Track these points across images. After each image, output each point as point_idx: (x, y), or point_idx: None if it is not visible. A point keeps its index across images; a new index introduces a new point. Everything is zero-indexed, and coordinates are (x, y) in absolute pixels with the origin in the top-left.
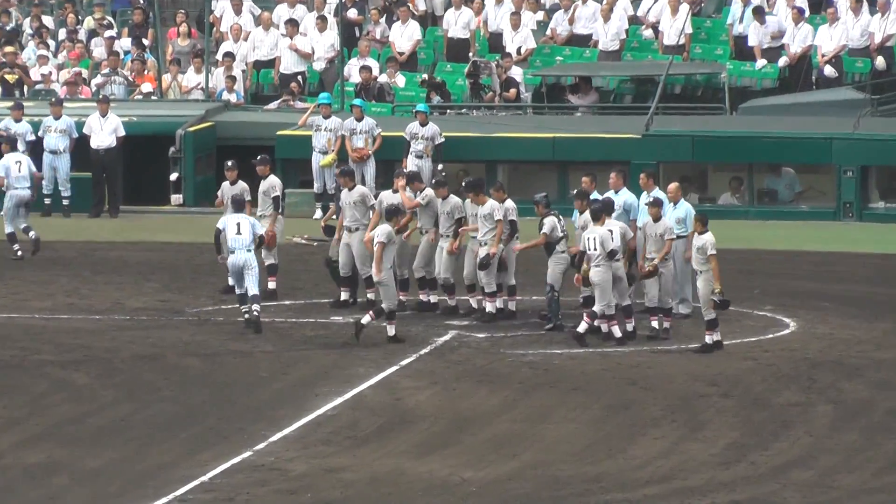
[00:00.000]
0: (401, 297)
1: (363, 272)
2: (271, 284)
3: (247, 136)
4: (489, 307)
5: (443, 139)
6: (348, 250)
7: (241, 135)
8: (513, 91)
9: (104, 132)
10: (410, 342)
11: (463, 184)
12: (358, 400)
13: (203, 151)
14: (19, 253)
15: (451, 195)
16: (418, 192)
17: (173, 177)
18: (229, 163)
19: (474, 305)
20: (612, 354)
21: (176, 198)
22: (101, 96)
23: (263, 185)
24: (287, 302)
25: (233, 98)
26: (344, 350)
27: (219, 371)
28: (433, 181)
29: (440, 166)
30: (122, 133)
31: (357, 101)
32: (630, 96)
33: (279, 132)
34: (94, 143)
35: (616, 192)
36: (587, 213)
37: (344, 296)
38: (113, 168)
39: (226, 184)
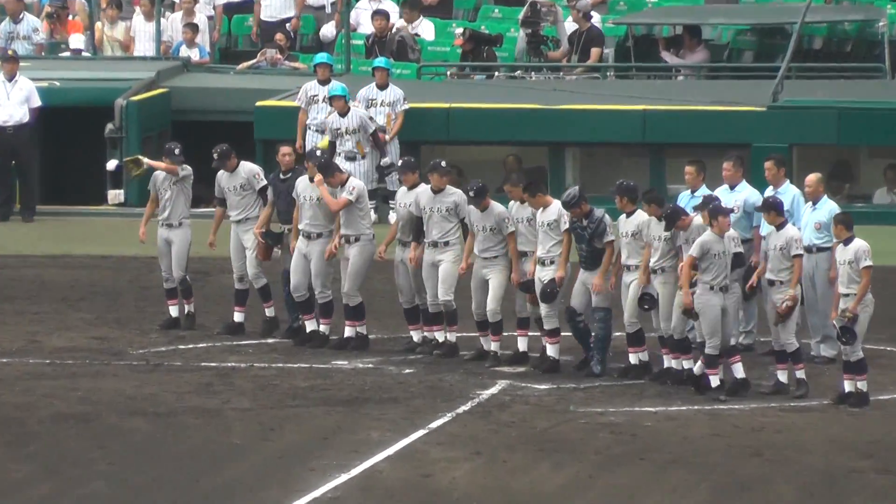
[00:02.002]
0: (426, 334)
1: (321, 294)
2: (269, 311)
3: (214, 108)
4: (551, 350)
5: (406, 106)
6: (305, 264)
7: (205, 105)
8: (595, 51)
9: (11, 102)
10: (443, 395)
11: (513, 176)
12: (370, 477)
13: (153, 129)
14: None
15: (491, 201)
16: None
17: (111, 165)
18: (221, 148)
19: (489, 349)
20: (726, 414)
21: (114, 194)
22: (6, 53)
23: (237, 178)
24: (270, 340)
25: (194, 55)
26: (350, 407)
27: (175, 437)
28: (440, 171)
29: (443, 162)
30: (36, 103)
31: (381, 62)
32: (751, 53)
33: (258, 102)
34: None
35: (732, 188)
36: (639, 216)
37: (311, 325)
38: (25, 153)
39: (223, 175)
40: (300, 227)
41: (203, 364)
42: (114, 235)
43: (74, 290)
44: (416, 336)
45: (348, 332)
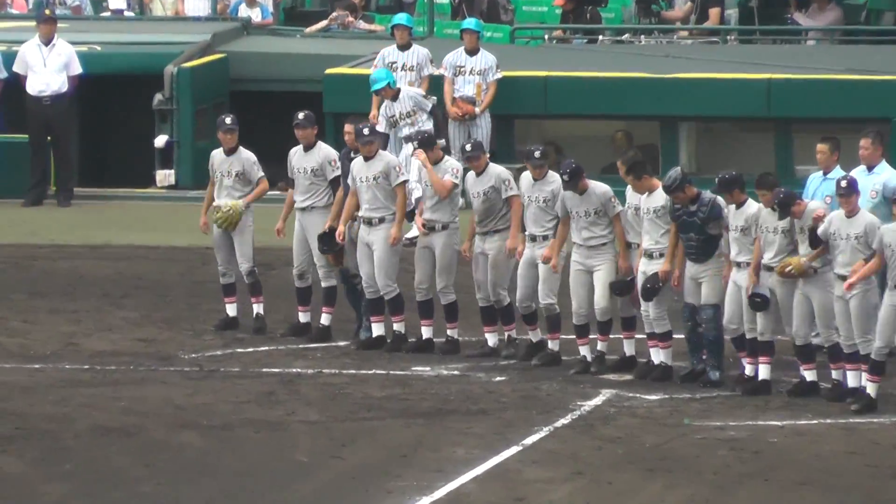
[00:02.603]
0: (509, 334)
1: (387, 290)
2: (325, 319)
3: (277, 77)
4: (662, 355)
5: (498, 75)
6: (371, 255)
7: (267, 73)
8: (713, 12)
9: (48, 70)
10: (540, 407)
11: (630, 155)
12: (455, 501)
13: (207, 100)
14: None
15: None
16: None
17: (160, 141)
18: (300, 116)
19: (586, 354)
20: (863, 429)
21: (164, 175)
22: (42, 13)
23: (311, 159)
24: (340, 343)
25: (255, 15)
26: (432, 419)
27: (232, 454)
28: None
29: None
30: (76, 71)
31: (471, 24)
32: (891, 14)
33: (328, 70)
34: (33, 88)
35: (870, 169)
36: (749, 208)
37: (378, 330)
38: (62, 127)
39: (295, 153)
40: (360, 213)
41: (264, 370)
42: (163, 222)
43: (117, 285)
44: (491, 340)
45: (427, 332)
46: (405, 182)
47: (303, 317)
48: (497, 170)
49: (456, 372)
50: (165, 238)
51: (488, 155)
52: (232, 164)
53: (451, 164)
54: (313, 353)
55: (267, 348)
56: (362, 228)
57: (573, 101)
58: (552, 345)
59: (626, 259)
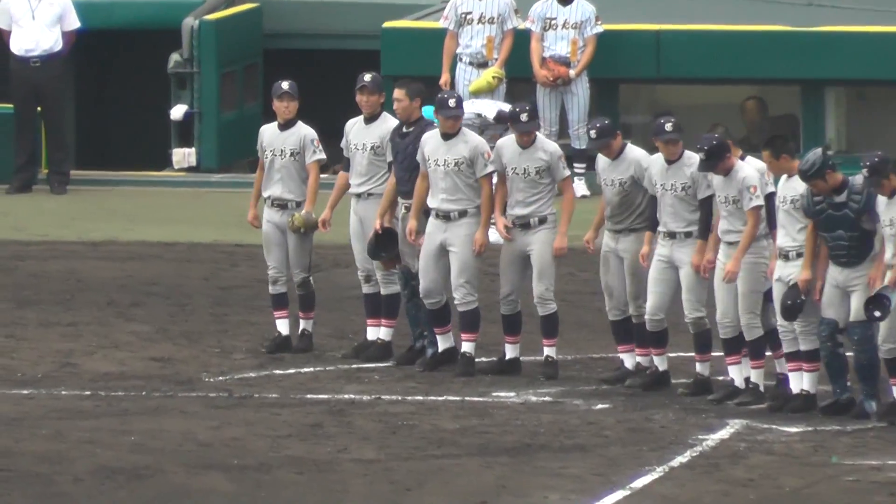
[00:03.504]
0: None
1: (466, 300)
2: (383, 333)
3: (323, 31)
4: (807, 382)
5: (598, 29)
6: (440, 257)
7: (311, 27)
8: None
9: (38, 24)
10: (652, 441)
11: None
12: None
13: (237, 62)
14: None
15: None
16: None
17: (177, 112)
18: (366, 78)
19: (734, 378)
20: None
21: (182, 154)
22: None
23: (373, 133)
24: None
25: None
26: (518, 458)
27: (270, 501)
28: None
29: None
30: (73, 25)
31: None
32: None
33: (386, 23)
34: (19, 46)
35: None
36: None
37: (445, 343)
38: (55, 95)
39: (354, 125)
40: (432, 204)
41: (309, 396)
42: (181, 213)
43: (125, 292)
44: (629, 361)
45: (512, 351)
46: (493, 174)
47: (372, 332)
48: (636, 155)
49: (547, 398)
50: (185, 233)
51: (619, 135)
52: (286, 140)
53: (548, 144)
54: (369, 375)
55: (312, 369)
56: (435, 223)
57: (692, 61)
58: (701, 368)
59: (809, 270)
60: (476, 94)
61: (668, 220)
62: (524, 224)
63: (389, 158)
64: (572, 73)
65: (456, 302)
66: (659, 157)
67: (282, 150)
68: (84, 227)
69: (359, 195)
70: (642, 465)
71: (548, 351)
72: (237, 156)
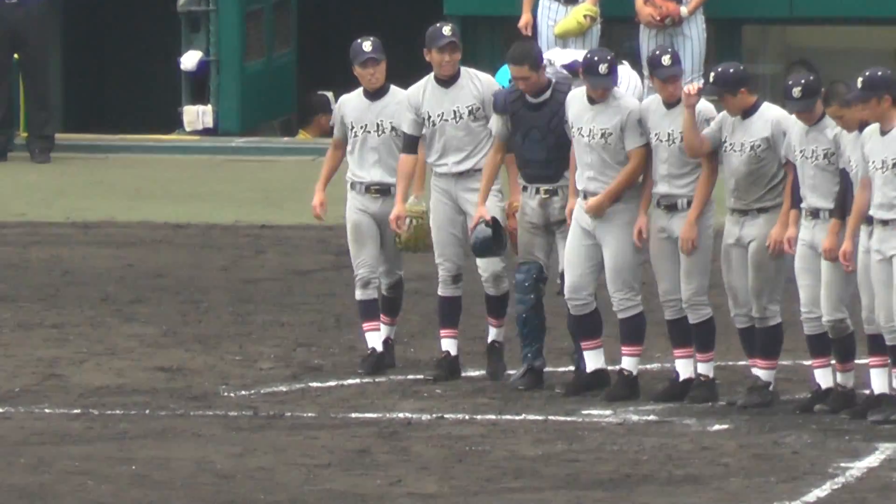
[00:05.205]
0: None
1: (627, 305)
2: (496, 334)
3: None
4: None
5: None
6: (591, 252)
7: None
8: None
9: None
10: (782, 470)
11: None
12: None
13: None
14: None
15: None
16: None
17: (189, 61)
18: (446, 31)
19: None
20: None
21: (195, 113)
22: None
23: (462, 95)
24: (473, 373)
25: None
26: (614, 491)
27: None
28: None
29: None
30: None
31: None
32: None
33: None
34: None
35: None
36: None
37: (595, 362)
38: (37, 42)
39: (431, 89)
40: (581, 186)
41: (354, 416)
42: (195, 187)
43: (124, 285)
44: (765, 375)
45: (695, 369)
46: (646, 145)
47: (448, 344)
48: (775, 114)
49: (651, 417)
50: (199, 212)
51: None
52: (381, 112)
53: (703, 104)
54: (429, 389)
55: (358, 381)
56: (579, 209)
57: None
58: (842, 379)
59: None
60: (563, 36)
61: (809, 194)
62: (669, 206)
63: (490, 127)
64: (684, 10)
65: (616, 307)
66: (797, 124)
67: (376, 125)
68: (73, 204)
69: (459, 174)
70: (771, 500)
71: (702, 367)
72: (264, 116)
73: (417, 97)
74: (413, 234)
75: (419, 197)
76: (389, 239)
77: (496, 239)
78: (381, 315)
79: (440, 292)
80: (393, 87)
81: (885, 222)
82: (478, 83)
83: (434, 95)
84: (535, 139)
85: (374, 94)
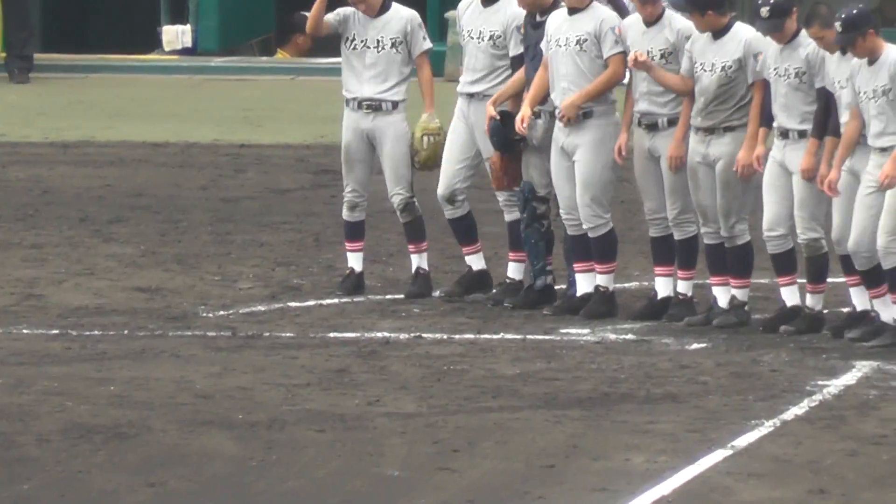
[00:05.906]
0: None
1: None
2: (514, 271)
3: None
4: None
5: None
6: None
7: None
8: None
9: None
10: (759, 389)
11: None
12: None
13: None
14: None
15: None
16: None
17: None
18: None
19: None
20: None
21: (174, 33)
22: None
23: (491, 20)
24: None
25: None
26: (593, 410)
27: (285, 465)
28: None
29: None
30: None
31: None
32: None
33: None
34: None
35: None
36: None
37: (586, 285)
38: None
39: (470, 5)
40: (556, 100)
41: (333, 335)
42: (174, 106)
43: (103, 205)
44: (740, 294)
45: (676, 287)
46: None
47: (473, 260)
48: (746, 35)
49: (629, 336)
50: (178, 131)
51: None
52: (382, 29)
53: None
54: (408, 308)
55: (336, 301)
56: (557, 127)
57: None
58: (811, 301)
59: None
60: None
61: (780, 114)
62: (650, 125)
63: (513, 52)
64: None
65: (584, 226)
66: (765, 41)
67: (377, 41)
68: (52, 124)
69: (470, 95)
70: (749, 418)
71: (682, 286)
72: (244, 35)
73: (461, 9)
74: (431, 152)
75: (432, 114)
76: (389, 155)
77: (508, 129)
78: (408, 244)
79: (447, 215)
80: (395, 4)
81: (883, 150)
82: (509, 10)
83: (474, 12)
84: (536, 59)
85: (380, 10)
